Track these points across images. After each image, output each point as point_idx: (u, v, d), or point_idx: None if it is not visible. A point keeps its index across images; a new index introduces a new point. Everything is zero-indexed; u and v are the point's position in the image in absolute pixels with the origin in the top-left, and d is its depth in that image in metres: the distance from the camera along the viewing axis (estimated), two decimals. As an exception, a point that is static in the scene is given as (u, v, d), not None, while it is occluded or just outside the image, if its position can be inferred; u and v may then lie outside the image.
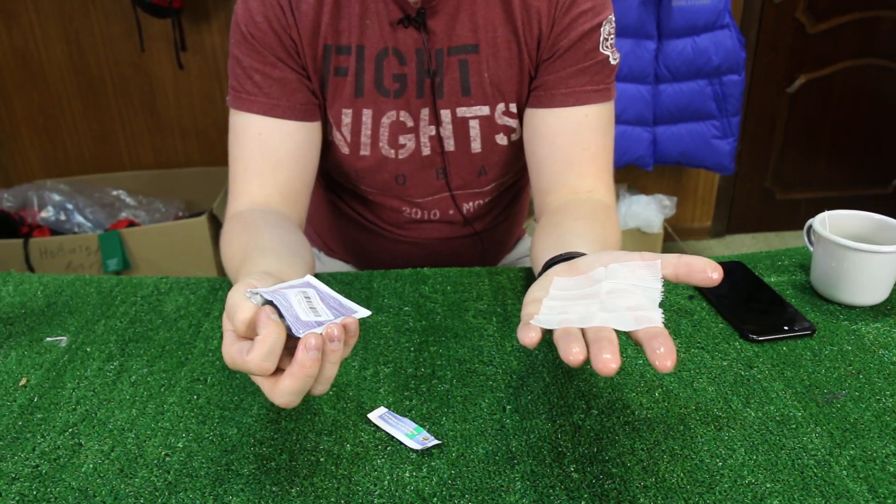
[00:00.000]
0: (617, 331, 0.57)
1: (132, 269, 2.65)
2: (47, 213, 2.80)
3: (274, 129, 0.98)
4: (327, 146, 1.07)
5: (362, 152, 1.05)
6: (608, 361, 0.53)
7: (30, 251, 2.60)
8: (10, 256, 2.62)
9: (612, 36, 0.98)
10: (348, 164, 1.07)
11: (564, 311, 0.62)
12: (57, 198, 2.83)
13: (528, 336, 0.59)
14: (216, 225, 2.72)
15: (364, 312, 0.64)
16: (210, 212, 2.68)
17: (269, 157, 0.98)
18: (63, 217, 2.81)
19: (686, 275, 0.60)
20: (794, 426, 0.73)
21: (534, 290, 0.68)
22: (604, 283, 0.63)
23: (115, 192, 2.96)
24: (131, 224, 2.75)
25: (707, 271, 0.58)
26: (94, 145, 3.10)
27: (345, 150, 1.05)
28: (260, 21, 0.95)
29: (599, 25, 0.96)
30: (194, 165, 3.15)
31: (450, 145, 1.05)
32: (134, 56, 2.93)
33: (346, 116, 1.02)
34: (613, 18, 0.98)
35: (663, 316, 0.57)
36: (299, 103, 0.98)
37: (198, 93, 3.01)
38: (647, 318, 0.57)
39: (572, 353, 0.55)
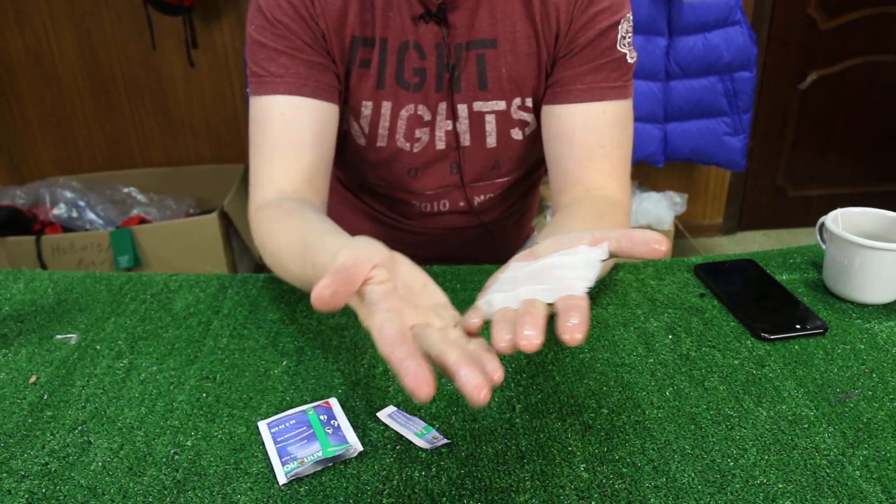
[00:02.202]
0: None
1: (143, 265, 2.66)
2: (59, 211, 2.81)
3: (299, 109, 0.96)
4: (342, 136, 1.06)
5: (378, 144, 1.05)
6: (531, 337, 0.51)
7: (42, 248, 2.62)
8: (22, 253, 2.63)
9: (630, 34, 0.98)
10: (362, 154, 1.07)
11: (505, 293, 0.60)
12: (69, 195, 2.84)
13: (469, 322, 0.58)
14: (227, 222, 2.72)
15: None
16: (221, 209, 2.68)
17: (294, 139, 0.96)
18: (75, 214, 2.82)
19: (629, 248, 0.57)
20: (806, 426, 0.72)
21: (490, 280, 0.66)
22: (546, 260, 0.60)
23: (126, 190, 2.97)
24: (143, 221, 2.76)
25: (650, 244, 0.56)
26: (106, 143, 3.11)
27: (361, 141, 1.05)
28: (286, 7, 0.94)
29: (617, 24, 0.96)
30: (205, 163, 3.16)
31: (465, 140, 1.05)
32: (145, 54, 2.94)
33: (366, 108, 1.02)
34: (631, 17, 0.98)
35: (587, 285, 0.55)
36: (327, 84, 0.97)
37: (209, 90, 3.01)
38: (568, 287, 0.55)
39: (504, 341, 0.52)
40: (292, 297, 0.97)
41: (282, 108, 0.95)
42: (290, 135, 0.95)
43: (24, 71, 2.95)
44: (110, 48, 2.93)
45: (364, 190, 1.19)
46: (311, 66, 0.96)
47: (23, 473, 0.68)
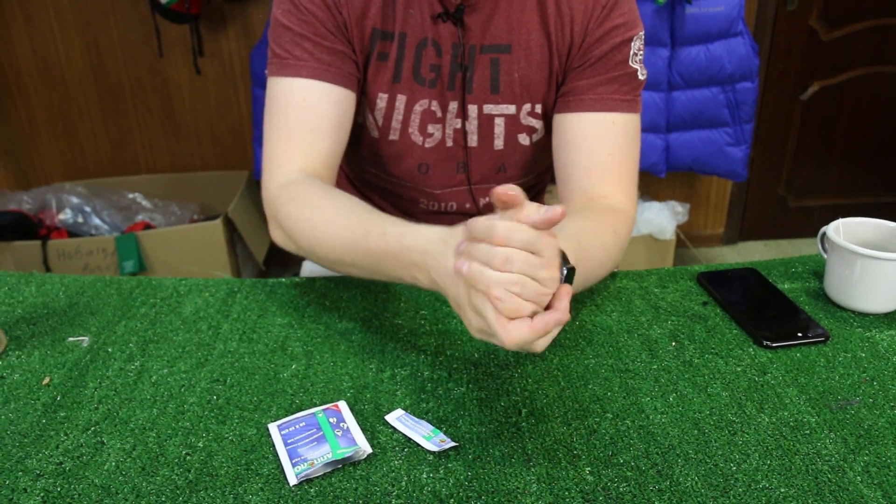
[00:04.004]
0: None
1: (148, 271, 2.67)
2: (65, 216, 2.82)
3: (320, 93, 0.98)
4: (356, 129, 1.08)
5: (391, 137, 1.07)
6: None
7: (48, 253, 2.63)
8: (28, 258, 2.64)
9: (642, 52, 1.01)
10: (376, 148, 1.09)
11: None
12: (75, 200, 2.85)
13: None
14: (231, 228, 2.74)
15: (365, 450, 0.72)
16: (225, 215, 2.69)
17: (314, 124, 0.98)
18: (81, 219, 2.83)
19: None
20: (807, 432, 0.73)
21: None
22: None
23: (131, 196, 2.98)
24: (147, 227, 2.78)
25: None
26: (112, 149, 3.13)
27: (374, 133, 1.07)
28: None
29: (631, 40, 0.99)
30: (210, 169, 3.17)
31: (473, 141, 1.07)
32: (152, 61, 2.95)
33: (381, 101, 1.04)
34: (643, 35, 1.00)
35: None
36: (347, 72, 0.99)
37: (214, 98, 3.03)
38: None
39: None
40: (300, 303, 0.98)
41: (303, 92, 0.97)
42: (310, 119, 0.97)
43: (31, 76, 2.97)
44: (117, 54, 2.94)
45: (372, 187, 1.20)
46: (334, 53, 0.98)
47: (38, 472, 0.69)
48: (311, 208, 0.90)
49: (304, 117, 0.98)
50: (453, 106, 1.05)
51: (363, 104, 1.05)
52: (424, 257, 0.73)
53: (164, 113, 3.06)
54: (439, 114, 1.05)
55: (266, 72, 1.01)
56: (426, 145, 1.08)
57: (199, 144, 3.13)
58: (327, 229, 0.87)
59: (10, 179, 3.11)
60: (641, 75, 1.01)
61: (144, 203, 2.95)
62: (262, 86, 2.64)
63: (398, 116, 1.05)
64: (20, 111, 3.04)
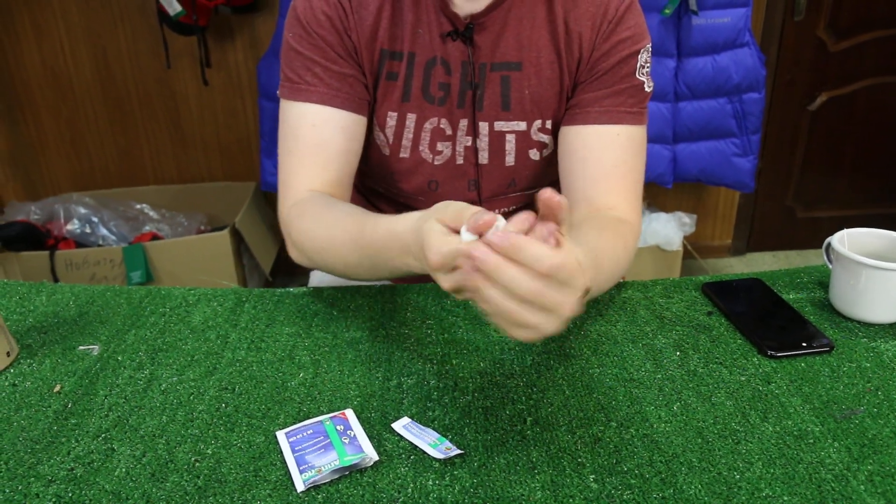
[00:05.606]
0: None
1: (155, 281, 2.69)
2: (73, 226, 2.84)
3: (329, 120, 1.00)
4: (367, 146, 1.09)
5: (402, 154, 1.08)
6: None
7: (55, 263, 2.65)
8: (36, 268, 2.66)
9: (649, 64, 1.02)
10: (386, 165, 1.11)
11: None
12: (82, 211, 2.87)
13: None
14: (238, 239, 2.75)
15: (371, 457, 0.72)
16: (232, 226, 2.71)
17: (323, 149, 1.00)
18: (88, 230, 2.85)
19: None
20: (811, 441, 0.74)
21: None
22: None
23: (139, 206, 3.00)
24: (155, 237, 2.79)
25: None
26: (120, 159, 3.15)
27: (385, 151, 1.09)
28: (323, 20, 0.99)
29: (637, 52, 1.00)
30: (217, 180, 3.19)
31: (483, 158, 1.08)
32: (159, 72, 2.97)
33: (391, 119, 1.05)
34: (650, 48, 1.01)
35: None
36: (357, 96, 1.02)
37: (221, 108, 3.05)
38: None
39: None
40: (308, 312, 0.99)
41: (313, 118, 1.00)
42: (320, 144, 1.00)
43: (40, 86, 2.99)
44: (125, 65, 2.97)
45: (383, 200, 1.21)
46: (343, 78, 1.00)
47: (49, 478, 0.70)
48: (315, 219, 0.95)
49: (314, 143, 1.00)
50: (463, 123, 1.06)
51: (373, 123, 1.07)
52: (413, 236, 0.74)
53: (171, 124, 3.08)
54: (449, 131, 1.06)
55: (278, 93, 1.04)
56: (436, 162, 1.09)
57: (207, 155, 3.15)
58: (330, 235, 0.92)
59: (19, 190, 3.14)
60: (648, 87, 1.02)
61: (152, 214, 2.97)
62: (269, 97, 2.66)
63: (408, 135, 1.06)
64: (29, 121, 3.06)
